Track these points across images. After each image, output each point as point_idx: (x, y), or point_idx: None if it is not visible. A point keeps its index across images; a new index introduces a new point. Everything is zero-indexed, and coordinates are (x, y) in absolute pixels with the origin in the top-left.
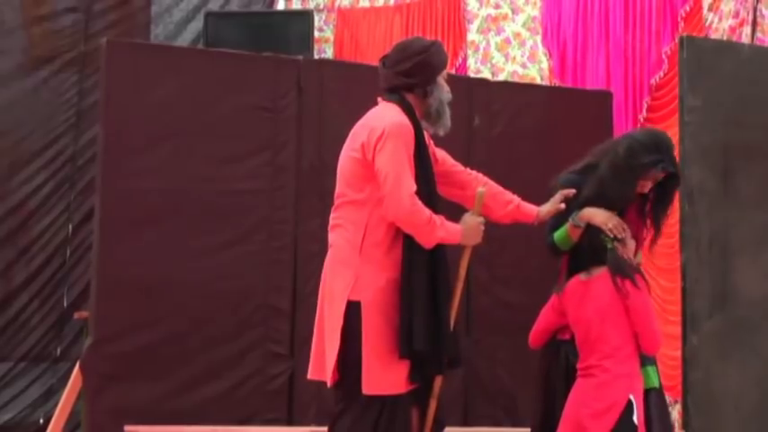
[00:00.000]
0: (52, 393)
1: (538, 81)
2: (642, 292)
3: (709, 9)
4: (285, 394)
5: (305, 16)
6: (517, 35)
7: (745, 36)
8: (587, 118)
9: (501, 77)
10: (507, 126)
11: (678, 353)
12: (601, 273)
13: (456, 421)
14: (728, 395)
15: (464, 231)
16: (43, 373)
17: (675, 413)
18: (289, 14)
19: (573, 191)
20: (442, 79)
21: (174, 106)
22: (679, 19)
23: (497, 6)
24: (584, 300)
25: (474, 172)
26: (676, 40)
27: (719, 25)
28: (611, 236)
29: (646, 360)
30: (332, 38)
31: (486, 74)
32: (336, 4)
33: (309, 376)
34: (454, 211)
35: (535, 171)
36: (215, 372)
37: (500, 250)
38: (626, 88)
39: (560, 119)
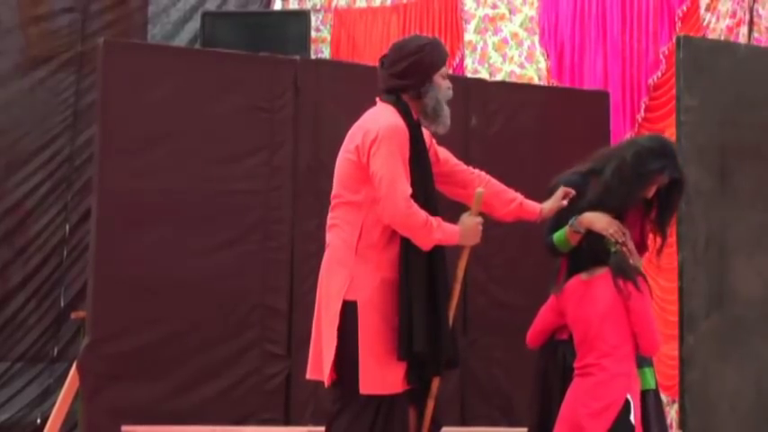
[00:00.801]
0: (49, 393)
1: (535, 81)
2: (644, 294)
3: (707, 9)
4: (282, 394)
5: (302, 16)
6: (515, 35)
7: (741, 36)
8: (585, 118)
9: (498, 77)
10: (504, 126)
11: (676, 352)
12: (602, 273)
13: (453, 421)
14: (725, 395)
15: (462, 232)
16: (40, 373)
17: (673, 413)
18: (286, 14)
19: (573, 191)
20: (439, 78)
21: (171, 106)
22: (676, 19)
23: (495, 6)
24: (585, 299)
25: (477, 171)
26: (673, 40)
27: (717, 25)
28: (614, 240)
29: (643, 361)
30: (329, 38)
31: (483, 74)
32: (333, 4)
33: (308, 376)
34: (457, 211)
35: (532, 171)
36: (212, 372)
37: (497, 250)
38: (623, 88)
39: (557, 119)
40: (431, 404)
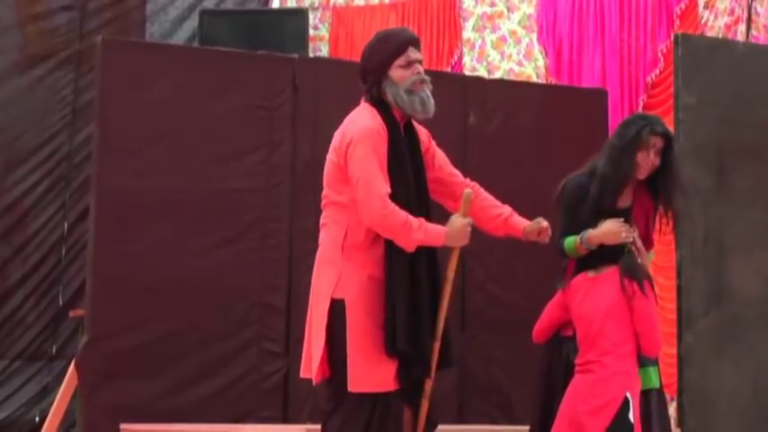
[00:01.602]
0: (48, 392)
1: (534, 79)
2: (647, 295)
3: (705, 7)
4: (280, 392)
5: (300, 14)
6: (513, 33)
7: (740, 34)
8: (583, 116)
9: (497, 75)
10: (502, 124)
11: (675, 350)
12: (609, 271)
13: (451, 419)
14: (723, 393)
15: (449, 233)
16: (39, 371)
17: (672, 410)
18: (284, 13)
19: (549, 232)
20: (397, 69)
21: (170, 104)
22: (674, 17)
23: (493, 4)
24: (589, 296)
25: (472, 183)
26: (672, 38)
27: (715, 23)
28: (630, 241)
29: (647, 360)
30: (327, 36)
31: (481, 72)
32: (331, 2)
33: (302, 374)
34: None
35: (530, 169)
36: (210, 370)
37: (495, 248)
38: (622, 86)
39: (556, 117)
40: (425, 404)
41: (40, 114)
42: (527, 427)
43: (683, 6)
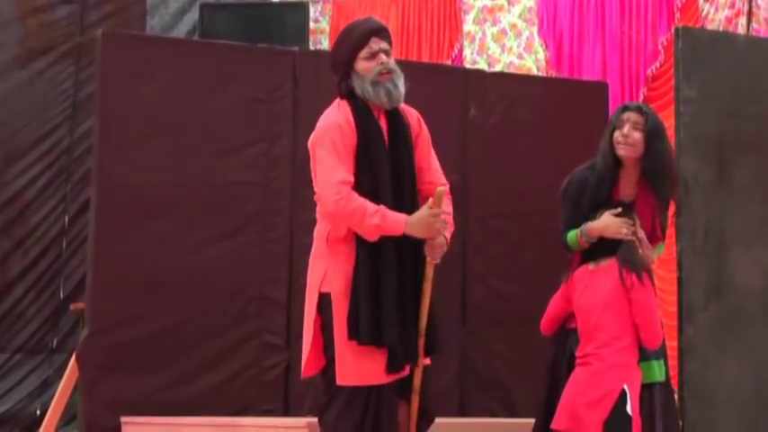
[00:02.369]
0: (48, 385)
1: (534, 72)
2: (646, 287)
3: (706, 0)
4: (281, 385)
5: (300, 7)
6: (513, 26)
7: (740, 27)
8: (583, 109)
9: (497, 68)
10: (503, 117)
11: (676, 343)
12: (609, 263)
13: (452, 412)
14: (724, 385)
15: (410, 221)
16: (39, 364)
17: None
18: (284, 5)
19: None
20: (362, 61)
21: (170, 98)
22: (675, 10)
23: None
24: (588, 288)
25: (445, 182)
26: (672, 31)
27: (716, 16)
28: (630, 237)
29: (650, 354)
30: (327, 29)
31: (482, 65)
32: None
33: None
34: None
35: (531, 162)
36: (211, 363)
37: (495, 241)
38: (622, 79)
39: (556, 110)
40: (415, 399)
41: (40, 108)
42: (528, 421)
43: None
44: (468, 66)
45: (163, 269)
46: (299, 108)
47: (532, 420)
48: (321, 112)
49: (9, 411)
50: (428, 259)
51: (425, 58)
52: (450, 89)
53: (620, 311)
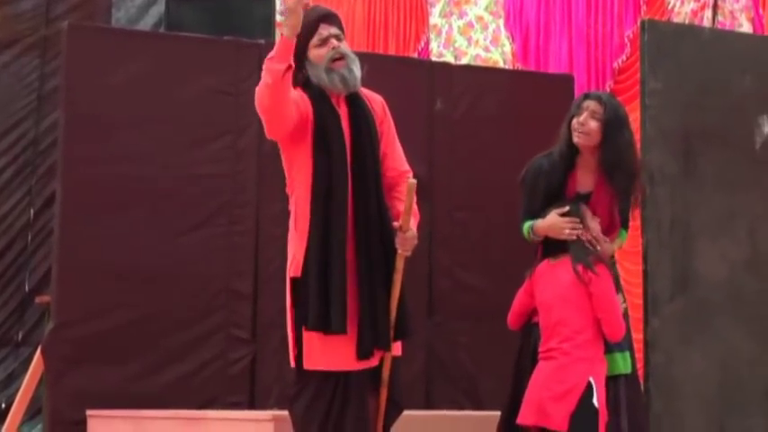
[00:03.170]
0: (14, 378)
1: (501, 65)
2: (604, 279)
3: None
4: (247, 378)
5: (267, 0)
6: (480, 19)
7: (706, 20)
8: (549, 101)
9: (464, 61)
10: (469, 110)
11: (642, 335)
12: (567, 258)
13: (418, 404)
14: (690, 378)
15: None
16: (5, 357)
17: None
18: None
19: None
20: (314, 50)
21: (135, 90)
22: (641, 3)
23: None
24: (549, 283)
25: (400, 194)
26: (638, 24)
27: (681, 9)
28: (573, 237)
29: (614, 347)
30: None
31: (448, 57)
32: None
33: None
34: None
35: (497, 154)
36: (177, 356)
37: (462, 233)
38: (588, 72)
39: (522, 102)
40: (383, 392)
41: (5, 100)
42: (494, 413)
43: None
44: (434, 59)
45: (129, 262)
46: None
47: (498, 413)
48: None
49: None
50: (399, 251)
51: (392, 51)
52: (417, 82)
53: (581, 305)
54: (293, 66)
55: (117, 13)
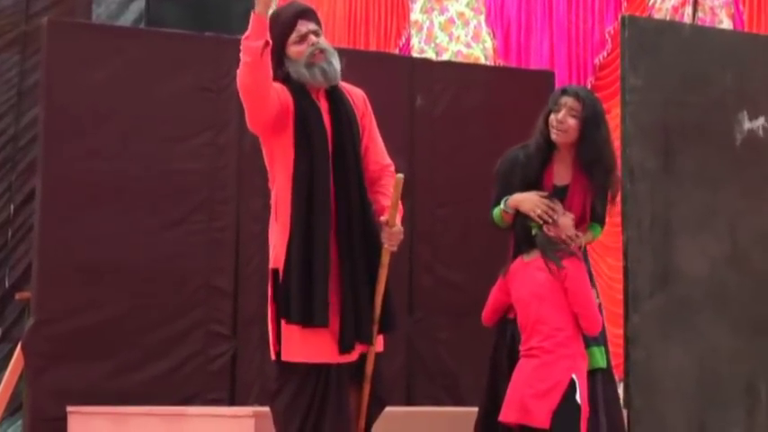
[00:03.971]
0: None
1: (482, 61)
2: (579, 274)
3: None
4: (227, 374)
5: None
6: (461, 15)
7: (687, 16)
8: (530, 98)
9: (445, 57)
10: (450, 106)
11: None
12: (539, 255)
13: (398, 401)
14: (670, 374)
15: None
16: None
17: (621, 391)
18: None
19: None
20: (290, 48)
21: (116, 87)
22: None
23: None
24: (524, 281)
25: (384, 189)
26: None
27: (662, 5)
28: (540, 222)
29: (591, 341)
30: None
31: (429, 53)
32: None
33: None
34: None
35: (478, 151)
36: (157, 352)
37: (443, 229)
38: (570, 68)
39: (503, 98)
40: (366, 387)
41: None
42: (474, 409)
43: None
44: (415, 55)
45: (109, 258)
46: None
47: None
48: None
49: None
50: (385, 246)
51: (373, 47)
52: (398, 78)
53: (558, 302)
54: (270, 42)
55: (97, 9)
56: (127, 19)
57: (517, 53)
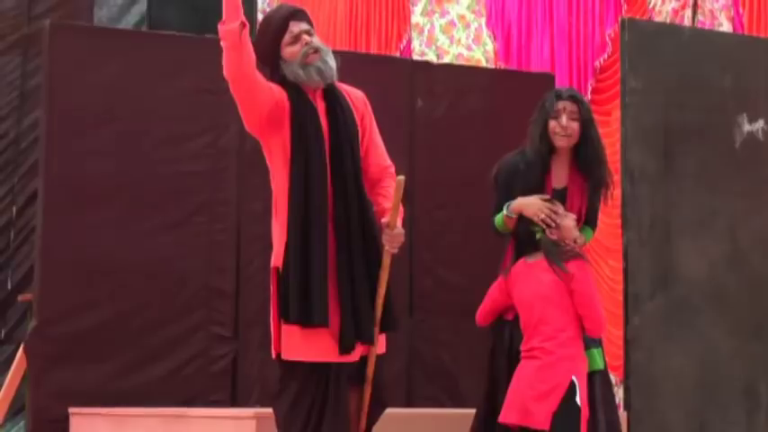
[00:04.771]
0: None
1: (483, 63)
2: (585, 276)
3: None
4: (228, 376)
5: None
6: (462, 17)
7: (686, 19)
8: (530, 100)
9: (446, 60)
10: (450, 108)
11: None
12: (543, 256)
13: (398, 402)
14: (670, 375)
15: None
16: None
17: (621, 393)
18: None
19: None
20: (285, 49)
21: (117, 89)
22: (622, 2)
23: None
24: (528, 282)
25: (385, 192)
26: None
27: (663, 8)
28: (543, 226)
29: (590, 342)
30: None
31: (430, 56)
32: None
33: None
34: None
35: (478, 153)
36: (158, 353)
37: (443, 231)
38: (570, 71)
39: (503, 101)
40: (368, 389)
41: None
42: (474, 411)
43: None
44: (416, 57)
45: (111, 260)
46: None
47: None
48: None
49: None
50: (386, 248)
51: (374, 50)
52: (398, 81)
53: (563, 303)
54: (247, 24)
55: (99, 12)
56: (128, 22)
57: (518, 56)
